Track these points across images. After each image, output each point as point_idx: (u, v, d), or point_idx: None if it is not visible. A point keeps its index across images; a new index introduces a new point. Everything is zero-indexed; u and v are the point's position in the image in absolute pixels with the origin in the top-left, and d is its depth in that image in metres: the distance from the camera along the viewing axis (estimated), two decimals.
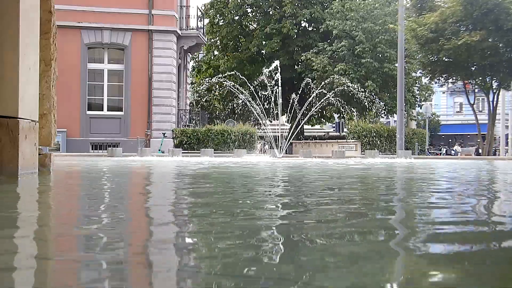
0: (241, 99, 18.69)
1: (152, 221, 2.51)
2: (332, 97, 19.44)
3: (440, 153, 35.40)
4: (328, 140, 27.38)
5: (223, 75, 20.34)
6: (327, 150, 22.46)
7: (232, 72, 21.88)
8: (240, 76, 20.19)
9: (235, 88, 18.72)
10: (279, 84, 17.87)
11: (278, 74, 17.83)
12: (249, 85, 18.66)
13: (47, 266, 1.54)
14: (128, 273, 1.46)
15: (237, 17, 30.89)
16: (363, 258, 1.60)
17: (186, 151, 19.11)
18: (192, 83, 31.45)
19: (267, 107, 18.31)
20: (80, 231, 2.13)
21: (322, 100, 18.72)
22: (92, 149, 20.89)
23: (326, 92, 19.28)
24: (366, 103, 22.23)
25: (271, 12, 29.96)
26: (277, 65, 17.91)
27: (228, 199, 3.56)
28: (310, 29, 29.86)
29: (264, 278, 1.35)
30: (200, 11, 25.18)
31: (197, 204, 3.20)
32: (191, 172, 7.47)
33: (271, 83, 17.61)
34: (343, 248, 1.80)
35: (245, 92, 18.32)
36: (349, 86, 20.12)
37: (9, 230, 2.07)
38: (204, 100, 33.04)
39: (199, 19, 24.36)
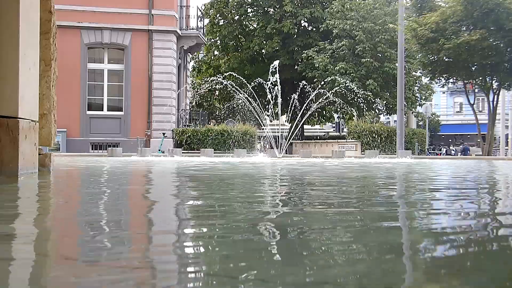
0: (241, 99, 18.68)
1: (151, 220, 2.50)
2: (332, 96, 19.43)
3: (440, 153, 35.37)
4: (328, 140, 27.38)
5: (221, 75, 20.31)
6: (327, 150, 22.45)
7: (230, 72, 21.85)
8: (237, 76, 20.18)
9: (234, 88, 18.71)
10: (278, 84, 17.85)
11: (277, 74, 17.83)
12: (248, 86, 18.67)
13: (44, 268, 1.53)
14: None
15: (237, 17, 30.89)
16: None
17: (186, 151, 19.11)
18: (192, 83, 31.45)
19: (266, 107, 18.31)
20: (79, 234, 2.12)
21: (321, 99, 18.71)
22: (92, 149, 20.89)
23: (326, 91, 19.27)
24: (364, 105, 22.26)
25: (271, 12, 29.98)
26: (276, 66, 17.91)
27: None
28: (310, 28, 29.87)
29: None
30: (200, 11, 25.17)
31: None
32: (193, 173, 7.46)
33: (272, 90, 17.59)
34: None
35: (244, 92, 18.30)
36: (348, 88, 20.13)
37: (6, 231, 2.06)
38: (204, 100, 33.04)
39: (199, 19, 24.36)
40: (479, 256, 1.72)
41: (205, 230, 2.13)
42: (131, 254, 1.70)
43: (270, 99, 17.59)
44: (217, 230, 2.15)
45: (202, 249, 1.79)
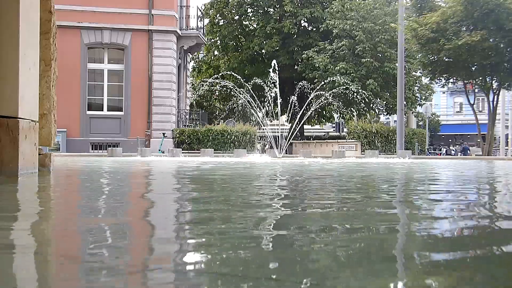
0: (241, 98, 18.68)
1: (147, 215, 2.50)
2: (332, 97, 19.42)
3: (440, 153, 35.37)
4: (328, 140, 27.36)
5: (220, 75, 20.33)
6: (327, 150, 22.44)
7: (230, 72, 21.85)
8: (238, 77, 20.18)
9: (234, 88, 18.71)
10: (277, 85, 17.86)
11: (276, 74, 17.83)
12: (248, 86, 18.65)
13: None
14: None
15: (237, 17, 30.88)
16: None
17: (186, 151, 19.11)
18: (192, 83, 31.43)
19: (267, 107, 18.33)
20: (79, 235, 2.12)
21: (320, 100, 18.71)
22: (92, 149, 20.89)
23: (326, 91, 19.27)
24: (364, 106, 22.27)
25: (271, 12, 29.97)
26: (274, 66, 17.91)
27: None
28: (310, 28, 29.85)
29: None
30: (200, 11, 25.16)
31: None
32: (194, 174, 7.46)
33: (271, 91, 17.65)
34: None
35: (244, 93, 18.30)
36: (349, 88, 20.13)
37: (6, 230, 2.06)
38: (204, 100, 33.04)
39: (199, 19, 24.36)
40: None
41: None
42: (130, 252, 1.70)
43: (268, 99, 17.60)
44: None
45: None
